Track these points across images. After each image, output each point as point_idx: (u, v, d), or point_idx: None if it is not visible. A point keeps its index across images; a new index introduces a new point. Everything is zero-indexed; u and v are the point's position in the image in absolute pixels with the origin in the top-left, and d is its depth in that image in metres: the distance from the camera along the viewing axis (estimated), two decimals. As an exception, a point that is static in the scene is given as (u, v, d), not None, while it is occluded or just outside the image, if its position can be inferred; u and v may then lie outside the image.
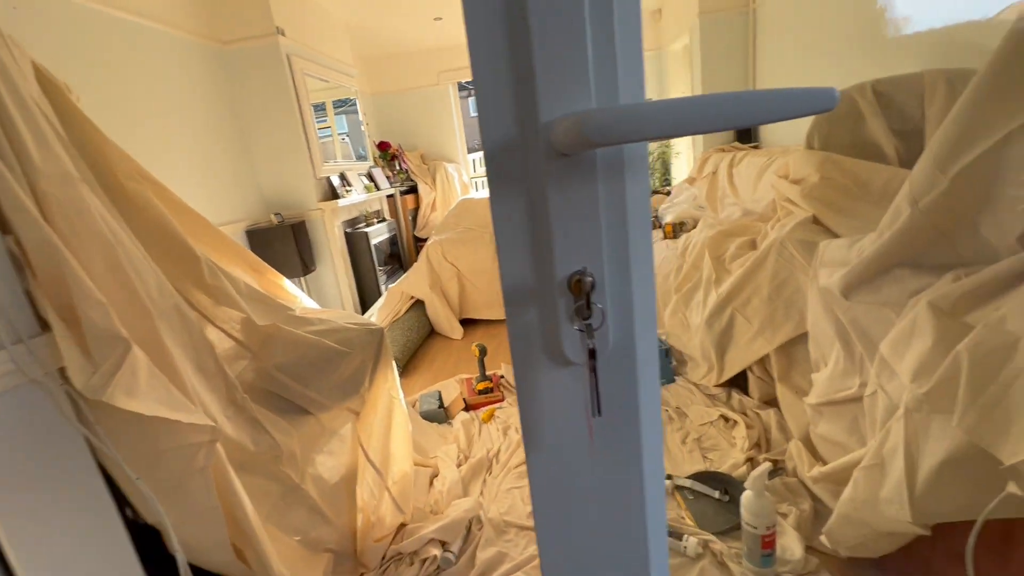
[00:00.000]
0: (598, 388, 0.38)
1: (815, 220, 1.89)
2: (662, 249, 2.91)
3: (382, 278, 4.11)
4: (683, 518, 1.53)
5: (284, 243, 3.10)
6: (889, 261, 1.04)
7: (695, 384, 2.17)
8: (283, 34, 3.22)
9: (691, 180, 3.80)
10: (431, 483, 1.85)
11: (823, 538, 1.29)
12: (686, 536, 1.41)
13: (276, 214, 3.22)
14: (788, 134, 3.30)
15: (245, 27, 3.13)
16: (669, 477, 1.68)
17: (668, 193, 4.09)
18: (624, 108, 0.31)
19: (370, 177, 4.45)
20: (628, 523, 0.46)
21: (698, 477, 1.65)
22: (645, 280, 0.41)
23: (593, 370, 0.36)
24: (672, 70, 4.90)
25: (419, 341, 3.18)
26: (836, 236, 1.70)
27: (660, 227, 3.25)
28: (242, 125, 3.29)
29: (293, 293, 1.62)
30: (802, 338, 1.71)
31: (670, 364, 2.25)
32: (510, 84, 0.34)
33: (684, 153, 4.79)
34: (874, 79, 1.93)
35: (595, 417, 0.39)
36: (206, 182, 2.90)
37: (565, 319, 0.39)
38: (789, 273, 1.82)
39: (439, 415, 2.26)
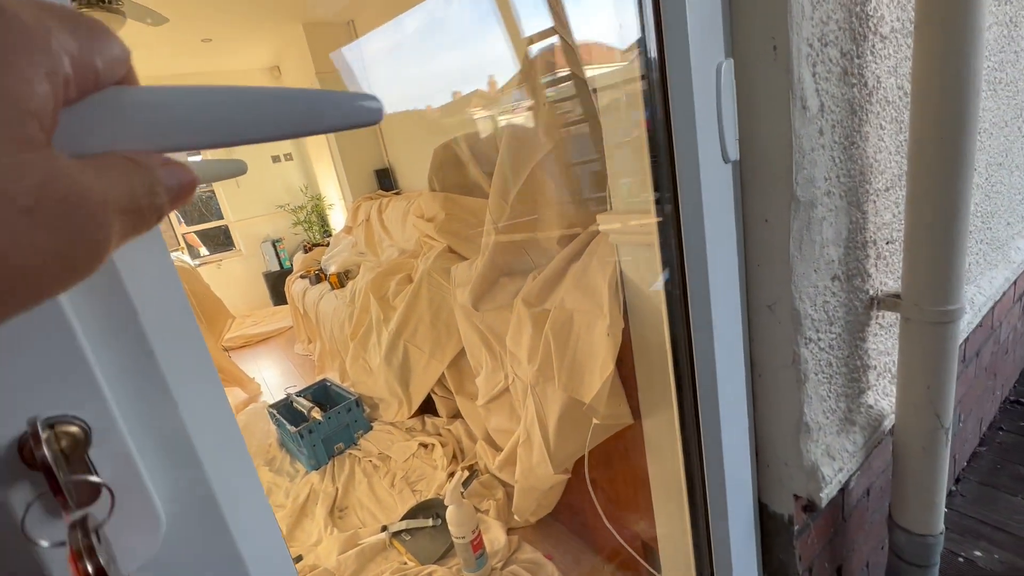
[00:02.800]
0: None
1: (450, 249, 2.20)
2: (332, 300, 2.84)
3: None
4: (406, 563, 1.49)
5: None
6: (494, 274, 1.29)
7: (391, 423, 2.19)
8: None
9: (348, 229, 3.88)
10: None
11: (515, 515, 1.48)
12: (410, 580, 1.38)
13: None
14: (420, 180, 3.79)
15: None
16: (384, 528, 1.62)
17: (328, 244, 4.06)
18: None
19: None
20: None
21: (411, 514, 1.65)
22: (210, 395, 0.27)
23: None
24: (305, 125, 4.92)
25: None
26: (465, 260, 2.02)
27: (326, 278, 3.18)
28: None
29: None
30: (464, 352, 1.96)
31: (363, 412, 2.20)
32: None
33: (338, 204, 4.87)
34: (464, 133, 2.41)
35: None
36: None
37: (36, 520, 0.21)
38: (441, 298, 2.05)
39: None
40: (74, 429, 0.21)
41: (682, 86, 0.61)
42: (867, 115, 0.72)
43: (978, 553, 1.23)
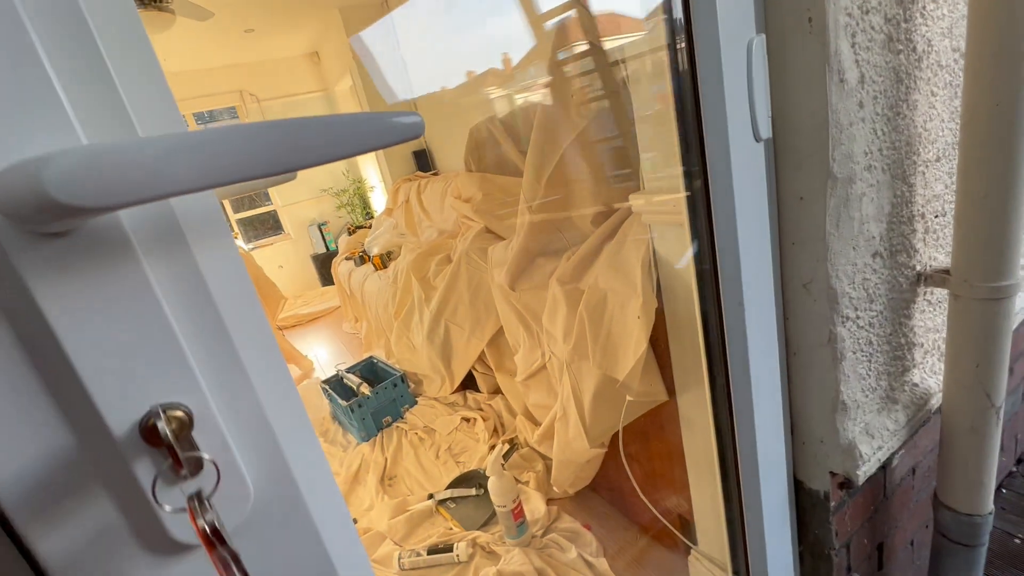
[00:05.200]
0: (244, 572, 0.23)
1: (487, 229, 2.23)
2: (375, 281, 2.95)
3: None
4: (451, 529, 1.59)
5: None
6: (530, 253, 1.31)
7: (435, 399, 2.28)
8: None
9: (389, 211, 3.98)
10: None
11: (554, 487, 1.54)
12: (455, 544, 1.46)
13: None
14: (458, 161, 3.82)
15: None
16: (431, 496, 1.72)
17: (370, 226, 4.18)
18: (120, 147, 0.19)
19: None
20: None
21: (455, 483, 1.74)
22: (282, 384, 0.30)
23: (227, 559, 0.22)
24: (344, 110, 5.03)
25: None
26: (503, 239, 2.05)
27: (369, 260, 3.30)
28: None
29: None
30: (503, 330, 2.00)
31: (408, 388, 2.30)
32: None
33: (378, 187, 4.99)
34: (500, 113, 2.41)
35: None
36: None
37: (159, 485, 0.25)
38: (480, 278, 2.09)
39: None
40: (180, 414, 0.26)
41: (710, 65, 0.60)
42: (916, 82, 0.69)
43: (1037, 535, 1.19)
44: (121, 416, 0.24)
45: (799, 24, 0.58)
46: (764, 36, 0.60)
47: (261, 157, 0.22)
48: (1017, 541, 1.18)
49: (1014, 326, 0.73)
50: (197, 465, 0.25)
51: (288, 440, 0.31)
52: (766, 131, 0.64)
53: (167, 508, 0.24)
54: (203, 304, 0.28)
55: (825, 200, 0.63)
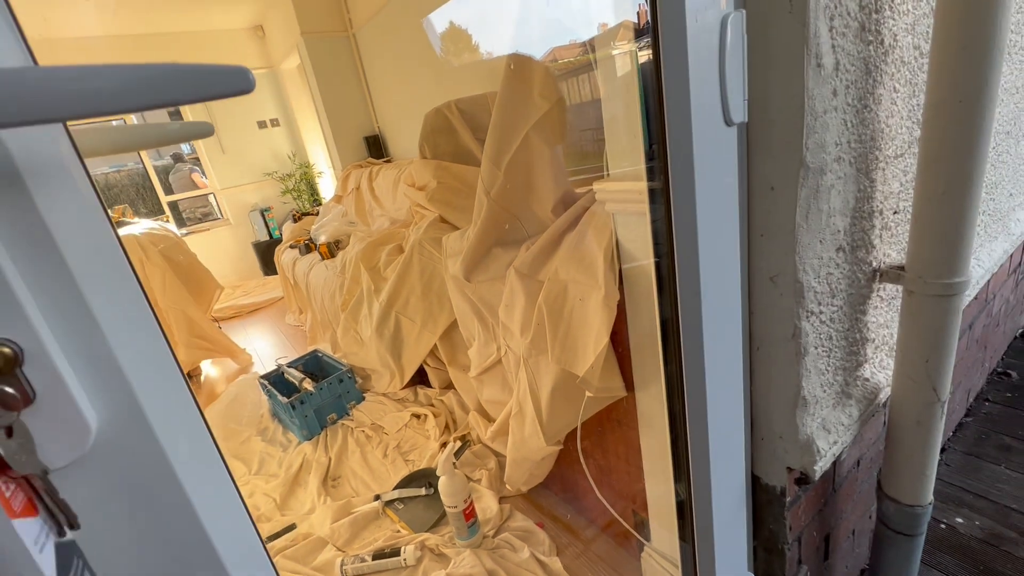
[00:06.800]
0: (56, 503, 0.25)
1: (442, 219, 2.15)
2: (321, 270, 2.80)
3: None
4: (399, 531, 1.51)
5: None
6: (486, 243, 1.25)
7: (384, 394, 2.18)
8: None
9: (338, 198, 3.80)
10: None
11: (507, 485, 1.49)
12: (403, 548, 1.39)
13: None
14: (412, 148, 3.68)
15: None
16: (377, 497, 1.63)
17: (318, 214, 3.98)
18: None
19: None
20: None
21: (403, 483, 1.66)
22: (141, 329, 0.31)
23: (32, 485, 0.24)
24: (291, 90, 4.76)
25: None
26: (458, 229, 1.97)
27: (315, 248, 3.12)
28: None
29: None
30: (457, 323, 1.93)
31: (355, 383, 2.19)
32: None
33: (327, 172, 4.76)
34: (456, 99, 2.32)
35: (66, 538, 0.27)
36: None
37: None
38: (433, 269, 2.01)
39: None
40: (7, 350, 0.26)
41: (675, 41, 0.56)
42: (882, 76, 0.68)
43: (960, 520, 1.26)
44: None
45: (780, 2, 0.55)
46: (743, 12, 0.57)
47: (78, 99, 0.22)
48: (943, 526, 1.25)
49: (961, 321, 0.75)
50: (23, 399, 0.26)
51: (142, 381, 0.31)
52: (740, 115, 0.61)
53: None
54: (45, 249, 0.28)
55: (797, 190, 0.61)
